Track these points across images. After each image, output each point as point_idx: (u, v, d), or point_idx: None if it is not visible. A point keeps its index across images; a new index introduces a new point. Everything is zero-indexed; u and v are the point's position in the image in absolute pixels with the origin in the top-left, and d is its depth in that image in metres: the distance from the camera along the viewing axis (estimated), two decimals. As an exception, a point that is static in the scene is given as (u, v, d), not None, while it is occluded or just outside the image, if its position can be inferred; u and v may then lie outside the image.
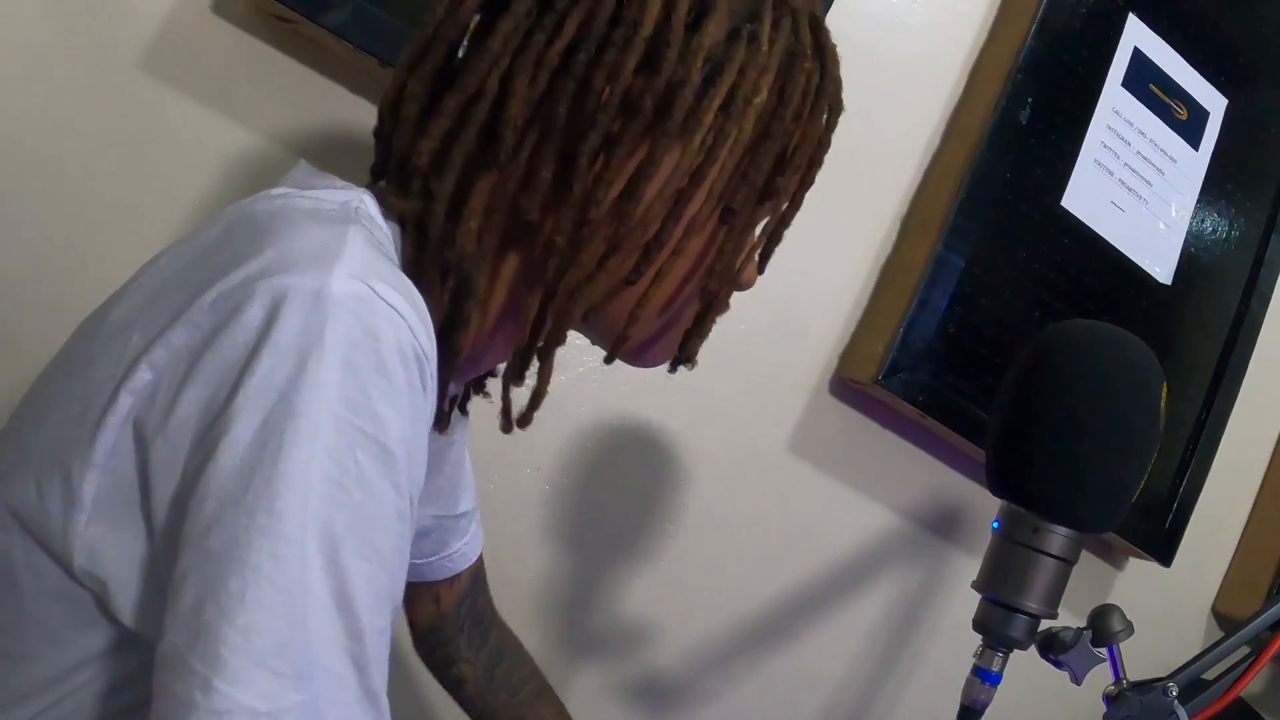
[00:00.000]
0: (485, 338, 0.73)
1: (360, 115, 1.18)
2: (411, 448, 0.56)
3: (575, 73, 0.64)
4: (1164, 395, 0.84)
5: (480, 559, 1.06)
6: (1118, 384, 0.83)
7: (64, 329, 1.09)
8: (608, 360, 0.76)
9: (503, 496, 1.23)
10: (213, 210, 1.14)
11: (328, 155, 1.17)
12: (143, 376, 0.56)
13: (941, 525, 1.41)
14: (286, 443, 0.51)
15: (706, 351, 0.82)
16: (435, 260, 0.65)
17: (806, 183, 0.75)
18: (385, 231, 0.65)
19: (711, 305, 0.74)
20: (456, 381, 0.72)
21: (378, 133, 0.72)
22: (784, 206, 0.75)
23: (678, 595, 1.31)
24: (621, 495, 1.29)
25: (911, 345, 1.29)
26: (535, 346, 0.70)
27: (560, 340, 0.70)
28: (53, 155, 1.12)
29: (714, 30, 0.66)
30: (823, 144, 0.74)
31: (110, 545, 0.56)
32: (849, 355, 1.35)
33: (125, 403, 0.56)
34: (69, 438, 0.58)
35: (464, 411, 0.86)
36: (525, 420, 0.72)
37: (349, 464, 0.53)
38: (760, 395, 1.32)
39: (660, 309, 0.73)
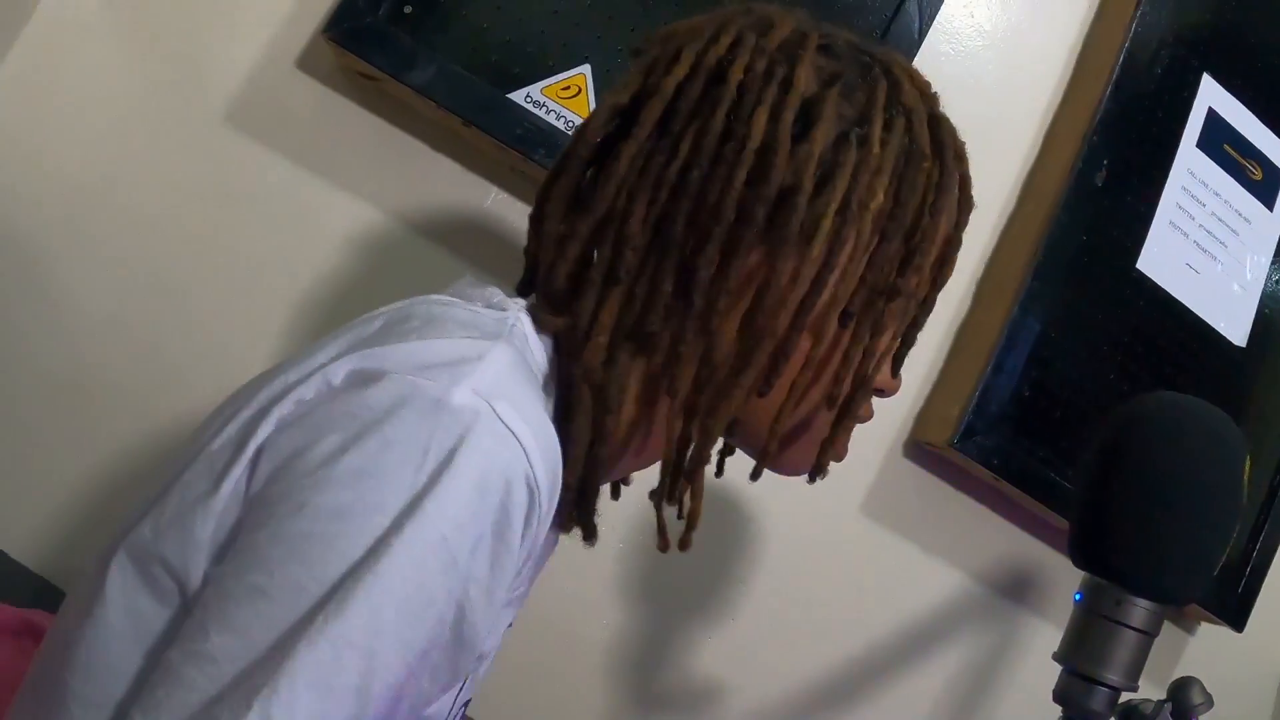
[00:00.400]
0: (616, 449, 0.73)
1: (442, 173, 1.19)
2: (495, 568, 0.58)
3: (690, 190, 0.67)
4: (1247, 468, 0.84)
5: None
6: (1202, 459, 0.82)
7: (153, 370, 1.11)
8: (753, 476, 0.77)
9: (577, 553, 1.22)
10: (296, 263, 1.15)
11: (410, 210, 1.18)
12: (268, 427, 0.58)
13: (1014, 590, 1.39)
14: (367, 533, 0.53)
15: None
16: (573, 375, 0.68)
17: (939, 281, 0.75)
18: (538, 349, 0.68)
19: (845, 413, 0.73)
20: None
21: (527, 250, 0.76)
22: (913, 308, 0.74)
23: (748, 656, 1.30)
24: (694, 554, 1.27)
25: (987, 408, 1.28)
26: (683, 465, 0.70)
27: (706, 458, 0.70)
28: (141, 206, 1.14)
29: (822, 137, 0.68)
30: (952, 243, 0.74)
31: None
32: (924, 418, 1.34)
33: (248, 451, 0.58)
34: (195, 486, 0.60)
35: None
36: (685, 544, 0.74)
37: (415, 564, 0.54)
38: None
39: (789, 416, 0.73)
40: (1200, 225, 1.45)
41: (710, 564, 1.29)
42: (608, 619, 1.24)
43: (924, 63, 1.28)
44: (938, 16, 1.32)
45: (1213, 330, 1.44)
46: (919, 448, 1.34)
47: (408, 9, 1.13)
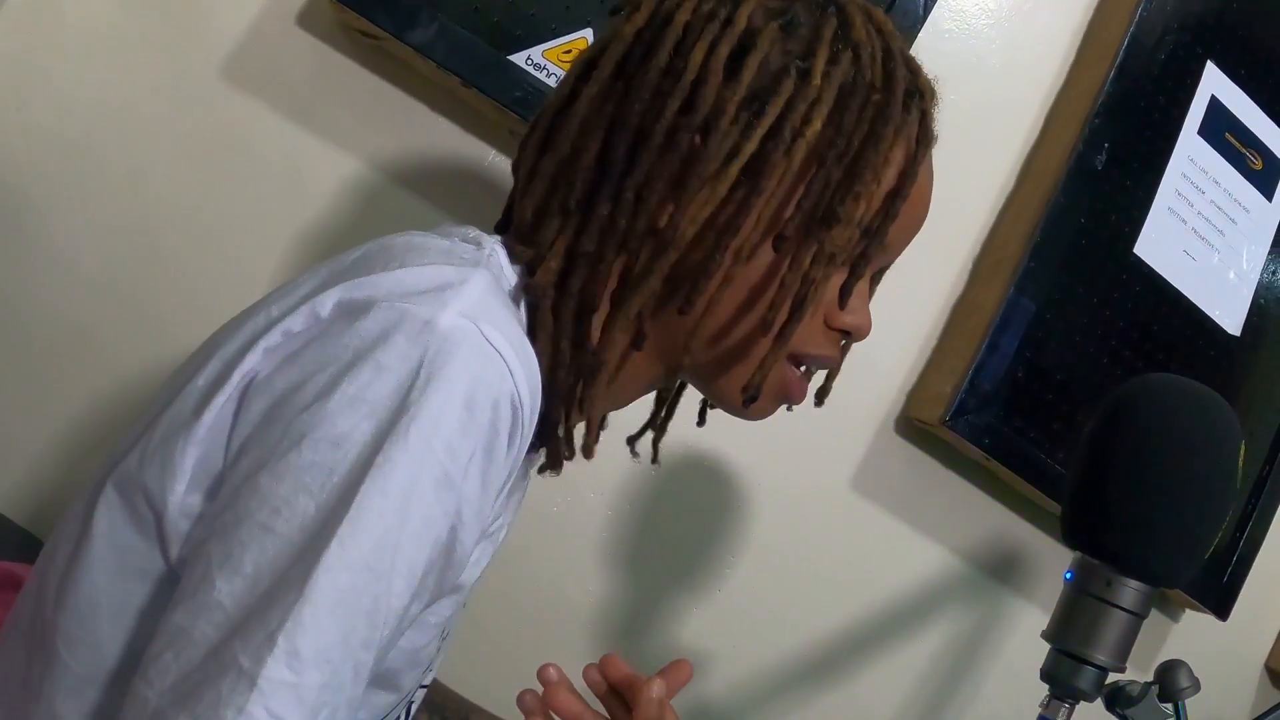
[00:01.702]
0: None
1: (440, 133, 1.18)
2: (472, 480, 0.59)
3: (631, 122, 0.70)
4: (1241, 454, 0.84)
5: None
6: (1198, 442, 0.82)
7: (141, 325, 1.10)
8: (676, 389, 0.79)
9: (566, 519, 1.23)
10: (289, 221, 1.15)
11: (406, 171, 1.17)
12: (254, 356, 0.59)
13: (1001, 570, 1.39)
14: (366, 460, 0.54)
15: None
16: (531, 294, 0.70)
17: (891, 213, 0.74)
18: (511, 277, 0.70)
19: (780, 337, 0.72)
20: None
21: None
22: (860, 239, 0.73)
23: (733, 627, 1.30)
24: (683, 524, 1.28)
25: (980, 387, 1.28)
26: (582, 366, 0.71)
27: (602, 365, 0.70)
28: (133, 159, 1.13)
29: (754, 66, 0.70)
30: (907, 176, 0.74)
31: (201, 517, 0.59)
32: (916, 395, 1.34)
33: (234, 380, 0.59)
34: (178, 417, 0.61)
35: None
36: (588, 451, 0.73)
37: (412, 489, 0.55)
38: (825, 432, 1.31)
39: (713, 337, 0.74)
40: (1199, 213, 1.45)
41: (698, 536, 1.29)
42: (592, 586, 1.24)
43: (928, 38, 1.29)
44: (943, -7, 1.31)
45: (1207, 318, 1.44)
46: (911, 424, 1.34)
47: (410, -34, 1.12)
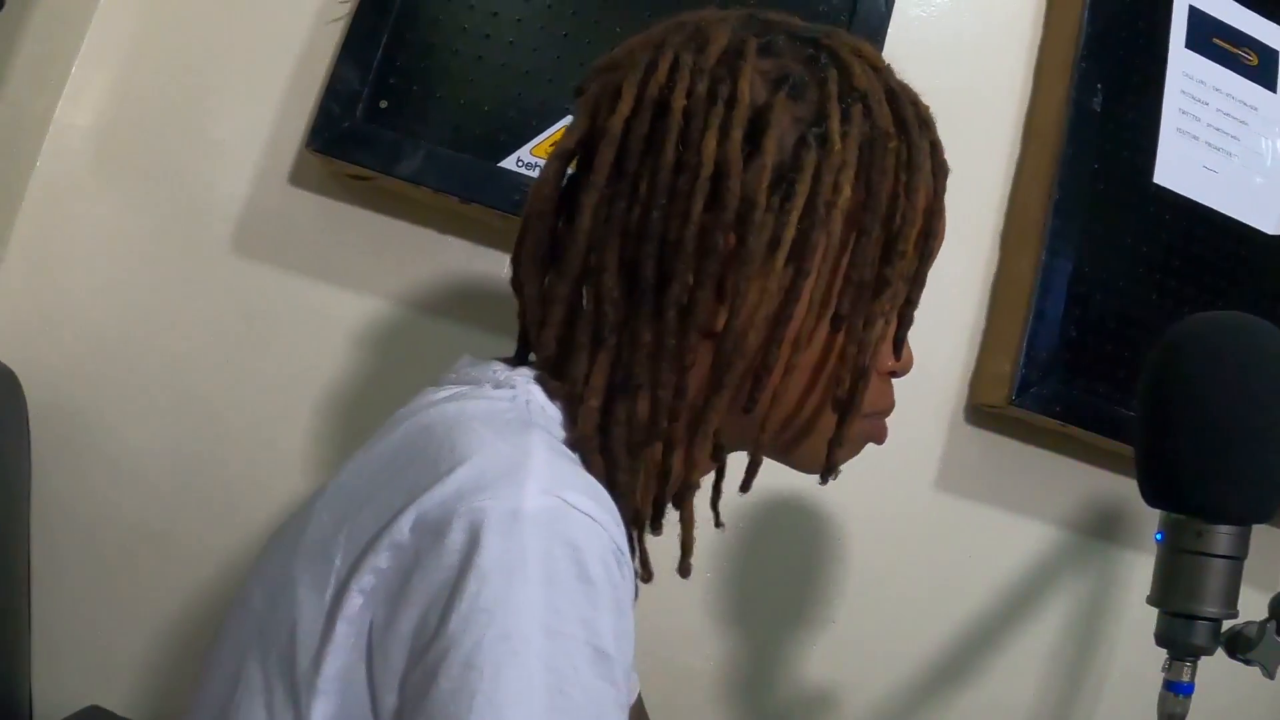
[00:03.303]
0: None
1: (453, 255, 1.19)
2: (622, 640, 0.57)
3: (654, 231, 0.65)
4: None
5: (640, 698, 1.05)
6: (1249, 374, 0.81)
7: (217, 501, 1.12)
8: (743, 488, 0.76)
9: (667, 592, 1.22)
10: (326, 375, 1.16)
11: (429, 298, 1.19)
12: (354, 602, 0.57)
13: (1104, 528, 1.37)
14: (503, 663, 0.52)
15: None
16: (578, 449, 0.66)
17: (927, 255, 0.72)
18: (554, 416, 0.67)
19: (849, 408, 0.71)
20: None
21: (518, 315, 0.75)
22: (904, 289, 0.72)
23: (856, 654, 1.29)
24: (782, 567, 1.28)
25: (1037, 358, 1.26)
26: (666, 496, 0.70)
27: (691, 484, 0.70)
28: (169, 347, 1.16)
29: (773, 146, 0.66)
30: (934, 213, 0.72)
31: None
32: (978, 381, 1.33)
33: (342, 631, 0.57)
34: (285, 663, 0.59)
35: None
36: (684, 570, 0.72)
37: (567, 670, 0.53)
38: (898, 440, 1.28)
39: (781, 427, 0.72)
40: (1208, 125, 1.43)
41: (798, 572, 1.29)
42: (709, 650, 1.25)
43: (898, 30, 1.29)
44: (902, -19, 1.31)
45: (1243, 226, 1.42)
46: (979, 411, 1.33)
47: (383, 104, 1.13)
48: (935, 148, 0.73)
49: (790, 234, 0.66)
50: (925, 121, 0.72)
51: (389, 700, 0.56)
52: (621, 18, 1.17)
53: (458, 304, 1.19)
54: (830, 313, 0.69)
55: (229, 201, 1.18)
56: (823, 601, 1.29)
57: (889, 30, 1.27)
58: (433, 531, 0.55)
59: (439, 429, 0.62)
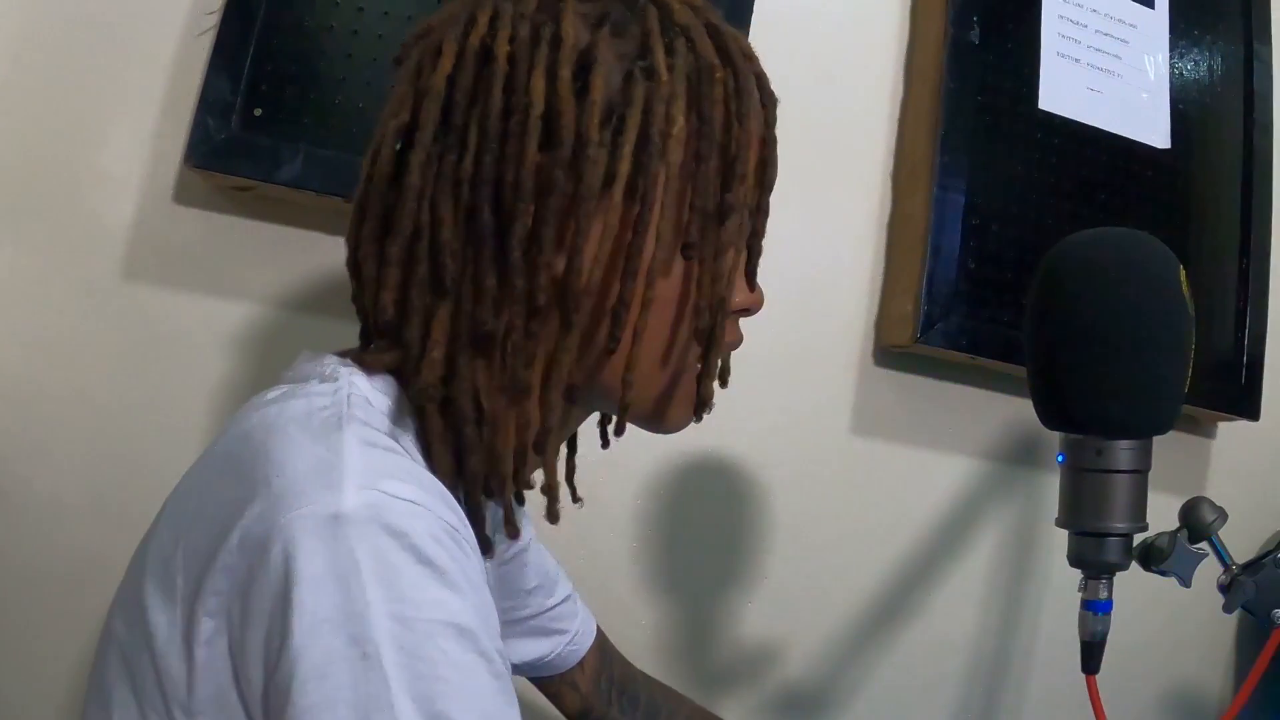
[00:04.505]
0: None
1: (343, 254, 1.18)
2: (480, 608, 0.58)
3: (488, 176, 0.65)
4: (1183, 278, 0.83)
5: (599, 631, 1.07)
6: (1128, 287, 0.82)
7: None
8: (618, 431, 0.75)
9: (595, 565, 1.24)
10: (233, 397, 1.16)
11: (326, 303, 1.18)
12: (206, 626, 0.57)
13: (1023, 454, 1.39)
14: (359, 669, 0.52)
15: (747, 364, 0.82)
16: (418, 400, 0.66)
17: (766, 185, 0.73)
18: (378, 397, 0.66)
19: (712, 342, 0.71)
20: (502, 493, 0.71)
21: (354, 298, 0.73)
22: (749, 219, 0.73)
23: (792, 606, 1.31)
24: (707, 529, 1.29)
25: (939, 294, 1.28)
26: (528, 444, 0.69)
27: (548, 429, 0.68)
28: (69, 384, 1.14)
29: (602, 83, 0.66)
30: (767, 142, 0.73)
31: None
32: (882, 322, 1.34)
33: (202, 655, 0.57)
34: (155, 689, 0.59)
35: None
36: (552, 516, 0.70)
37: (435, 654, 0.54)
38: (809, 390, 1.31)
39: (656, 364, 0.72)
40: (1089, 46, 1.44)
41: (725, 532, 1.30)
42: (643, 619, 1.26)
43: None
44: (768, -65, 1.31)
45: (1133, 142, 1.44)
46: (887, 353, 1.35)
47: (257, 111, 1.12)
48: (760, 79, 0.73)
49: (625, 167, 0.66)
50: (748, 54, 0.73)
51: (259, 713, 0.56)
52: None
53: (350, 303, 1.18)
54: (681, 242, 0.69)
55: (115, 227, 1.16)
56: (753, 558, 1.30)
57: (760, -16, 1.28)
58: (258, 548, 0.55)
59: (257, 436, 0.62)
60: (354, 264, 0.71)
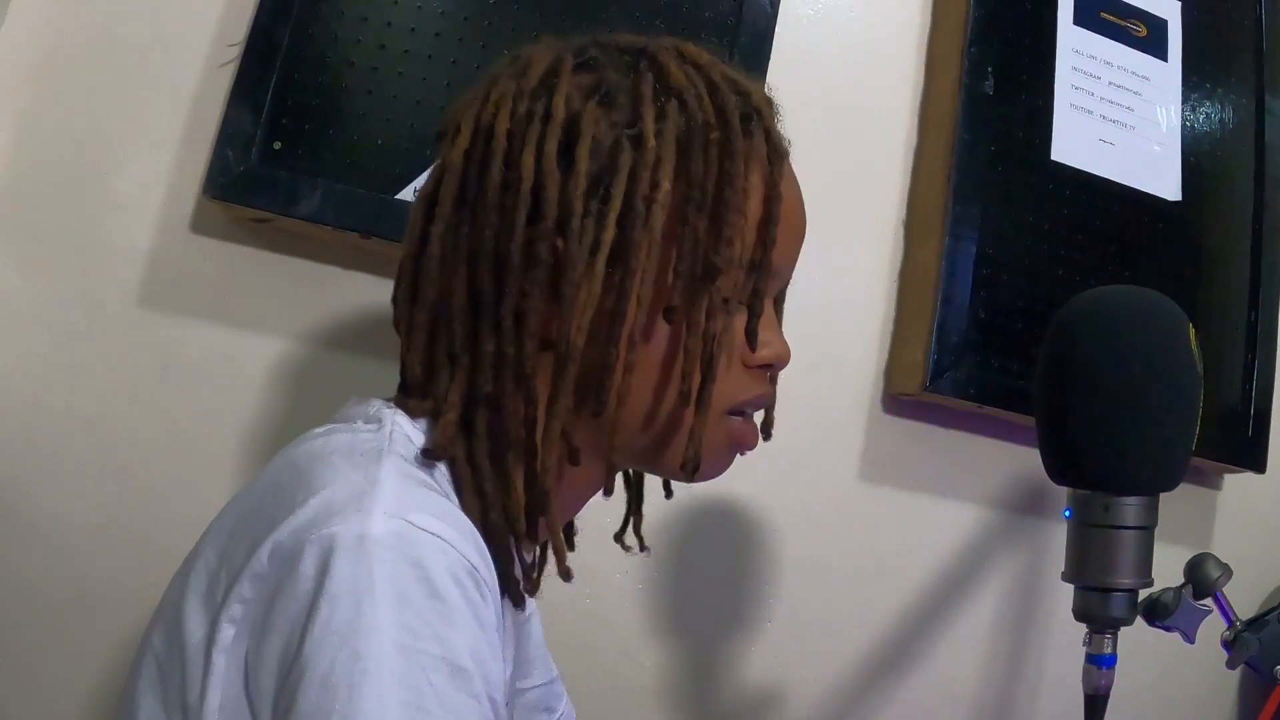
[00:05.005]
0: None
1: (358, 290, 1.19)
2: (481, 656, 0.58)
3: (487, 248, 0.68)
4: (1192, 336, 0.84)
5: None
6: (1138, 347, 0.84)
7: (147, 563, 1.11)
8: (607, 492, 0.78)
9: (601, 607, 1.24)
10: (242, 428, 1.16)
11: (341, 337, 1.19)
12: (227, 633, 0.59)
13: (1029, 503, 1.40)
14: (356, 684, 0.53)
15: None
16: (434, 457, 0.68)
17: (770, 243, 0.72)
18: (420, 442, 0.68)
19: (701, 403, 0.71)
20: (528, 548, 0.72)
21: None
22: (748, 277, 0.72)
23: (796, 651, 1.31)
24: (713, 572, 1.30)
25: (948, 343, 1.28)
26: (537, 503, 0.70)
27: (546, 490, 0.69)
28: (83, 409, 1.14)
29: (586, 154, 0.68)
30: (772, 199, 0.72)
31: None
32: (892, 370, 1.34)
33: (219, 662, 0.59)
34: (179, 698, 0.61)
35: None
36: (563, 573, 0.72)
37: (424, 687, 0.55)
38: (818, 436, 1.32)
39: (639, 429, 0.73)
40: (1101, 98, 1.45)
41: (730, 576, 1.30)
42: (648, 661, 1.26)
43: (788, 33, 1.31)
44: (786, -18, 1.32)
45: (1144, 194, 1.45)
46: (896, 400, 1.35)
47: (277, 145, 1.13)
48: (770, 134, 0.73)
49: (609, 235, 0.67)
50: (757, 110, 0.73)
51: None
52: (509, 43, 1.18)
53: (368, 338, 1.19)
54: (663, 306, 0.70)
55: (132, 255, 1.17)
56: (757, 602, 1.30)
57: (777, 32, 1.29)
58: (287, 560, 0.57)
59: (302, 463, 0.64)
60: (394, 322, 0.76)
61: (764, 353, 0.76)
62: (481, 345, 0.68)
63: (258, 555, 0.59)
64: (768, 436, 0.81)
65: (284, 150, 1.13)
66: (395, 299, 0.76)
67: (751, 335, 0.74)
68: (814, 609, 1.31)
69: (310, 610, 0.55)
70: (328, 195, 1.13)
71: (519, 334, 0.68)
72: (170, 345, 1.17)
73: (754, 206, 0.72)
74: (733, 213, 0.69)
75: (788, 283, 0.81)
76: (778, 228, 0.72)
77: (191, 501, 1.14)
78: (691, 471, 0.73)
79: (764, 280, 0.73)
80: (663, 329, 0.70)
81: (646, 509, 0.87)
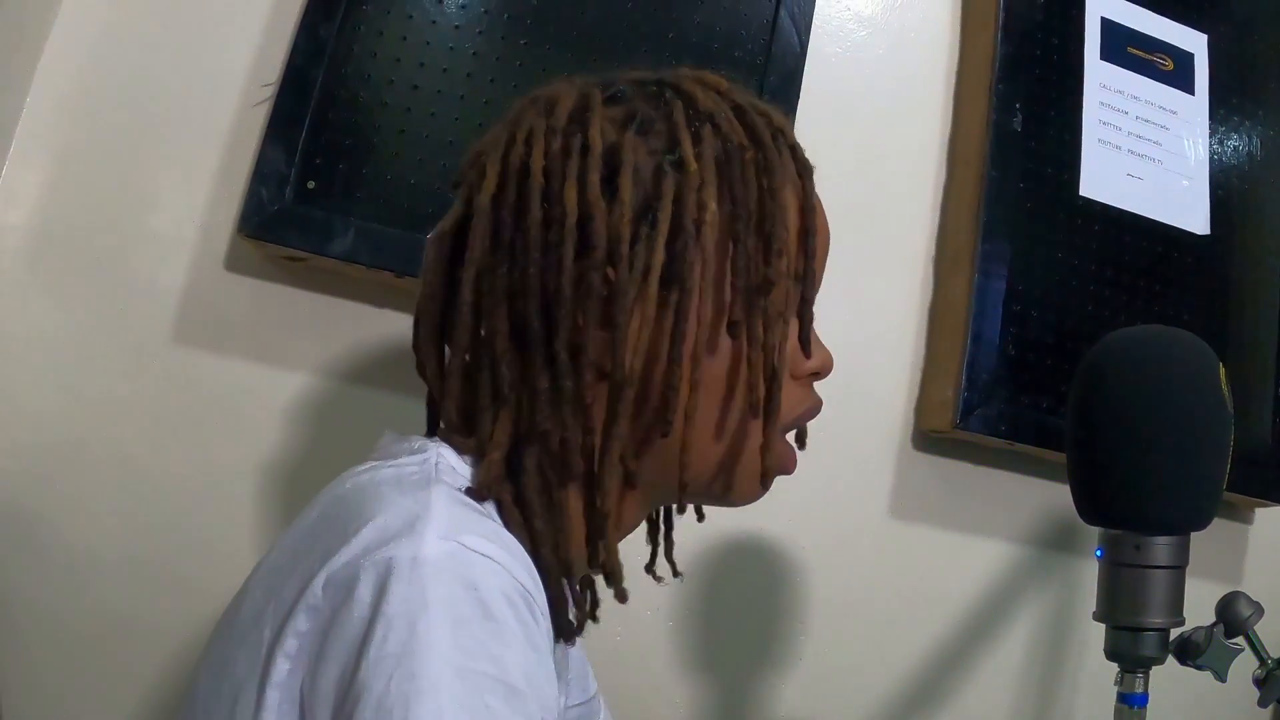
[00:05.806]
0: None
1: (390, 328, 1.20)
2: (535, 677, 0.58)
3: (533, 287, 0.68)
4: (1223, 376, 0.85)
5: None
6: (1169, 386, 0.84)
7: (177, 596, 1.12)
8: (680, 510, 0.77)
9: (631, 645, 1.24)
10: (281, 459, 1.17)
11: (373, 375, 1.19)
12: (281, 668, 0.59)
13: (1061, 540, 1.39)
14: (413, 703, 0.53)
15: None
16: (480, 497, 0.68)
17: (810, 251, 0.74)
18: (465, 473, 0.69)
19: (769, 412, 0.72)
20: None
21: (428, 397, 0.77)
22: (796, 288, 0.74)
23: (827, 688, 1.30)
24: (744, 608, 1.29)
25: (978, 380, 1.28)
26: (601, 533, 0.71)
27: (605, 517, 0.70)
28: (118, 444, 1.15)
29: (629, 183, 0.69)
30: (808, 210, 0.75)
31: None
32: (922, 408, 1.34)
33: (272, 697, 0.59)
34: None
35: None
36: (619, 595, 0.72)
37: (479, 708, 0.54)
38: (848, 472, 1.32)
39: (711, 442, 0.73)
40: (1129, 133, 1.46)
41: (761, 612, 1.30)
42: (677, 697, 1.25)
43: (816, 70, 1.31)
44: (814, 20, 1.33)
45: (1172, 229, 1.45)
46: (927, 437, 1.35)
47: (310, 184, 1.14)
48: (795, 151, 0.76)
49: (659, 258, 0.68)
50: (779, 129, 0.75)
51: None
52: (540, 83, 1.17)
53: (399, 375, 1.19)
54: (725, 321, 0.71)
55: (167, 291, 1.18)
56: (788, 639, 1.30)
57: (806, 71, 1.30)
58: (343, 588, 0.57)
59: (351, 497, 0.64)
60: (419, 364, 0.76)
61: (813, 362, 0.77)
62: (534, 382, 0.68)
63: (311, 588, 0.59)
64: (802, 445, 0.82)
65: (318, 189, 1.14)
66: (417, 343, 0.76)
67: (806, 343, 0.75)
68: (845, 646, 1.31)
69: (366, 634, 0.55)
70: (361, 234, 1.13)
71: (576, 366, 0.68)
72: (204, 381, 1.17)
73: (793, 219, 0.74)
74: (780, 227, 0.71)
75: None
76: (816, 238, 0.75)
77: (222, 537, 1.15)
78: (767, 485, 0.75)
79: (810, 289, 0.75)
80: (726, 344, 0.72)
81: (678, 544, 0.88)
